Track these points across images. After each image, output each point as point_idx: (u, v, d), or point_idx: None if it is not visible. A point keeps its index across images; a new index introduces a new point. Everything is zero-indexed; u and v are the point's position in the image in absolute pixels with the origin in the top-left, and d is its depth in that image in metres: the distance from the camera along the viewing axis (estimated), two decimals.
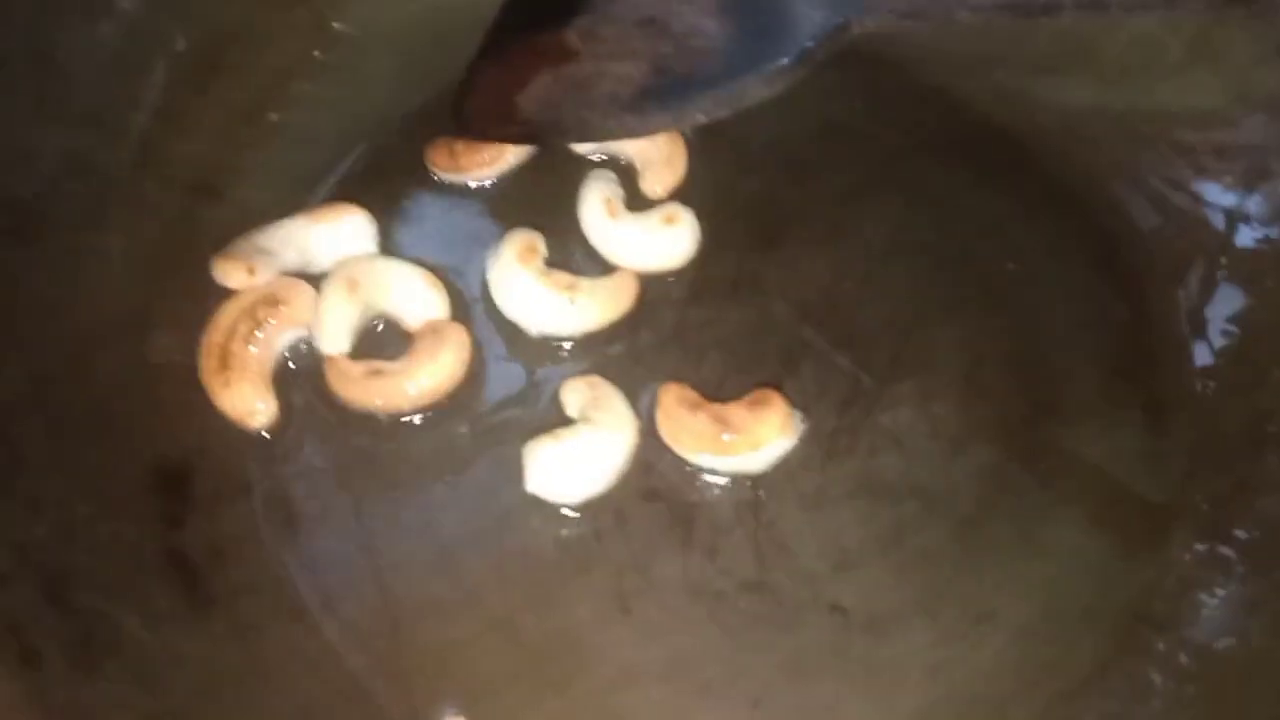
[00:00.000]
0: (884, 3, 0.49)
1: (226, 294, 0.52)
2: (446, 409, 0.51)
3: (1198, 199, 0.56)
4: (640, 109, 0.53)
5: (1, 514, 0.42)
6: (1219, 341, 0.53)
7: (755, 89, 0.51)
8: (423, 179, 0.57)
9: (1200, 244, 0.56)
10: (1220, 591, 0.46)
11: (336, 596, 0.46)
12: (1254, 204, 0.55)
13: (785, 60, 0.50)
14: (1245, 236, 0.56)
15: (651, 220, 0.55)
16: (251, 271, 0.51)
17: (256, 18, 0.56)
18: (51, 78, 0.49)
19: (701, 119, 0.53)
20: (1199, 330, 0.53)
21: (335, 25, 0.58)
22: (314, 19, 0.58)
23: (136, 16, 0.52)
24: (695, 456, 0.50)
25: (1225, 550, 0.47)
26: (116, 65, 0.51)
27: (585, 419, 0.50)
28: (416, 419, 0.51)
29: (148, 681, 0.41)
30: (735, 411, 0.49)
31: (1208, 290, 0.55)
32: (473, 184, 0.58)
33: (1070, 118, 0.60)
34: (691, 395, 0.50)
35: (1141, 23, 0.58)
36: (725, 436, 0.48)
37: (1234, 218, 0.56)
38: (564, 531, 0.48)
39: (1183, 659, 0.45)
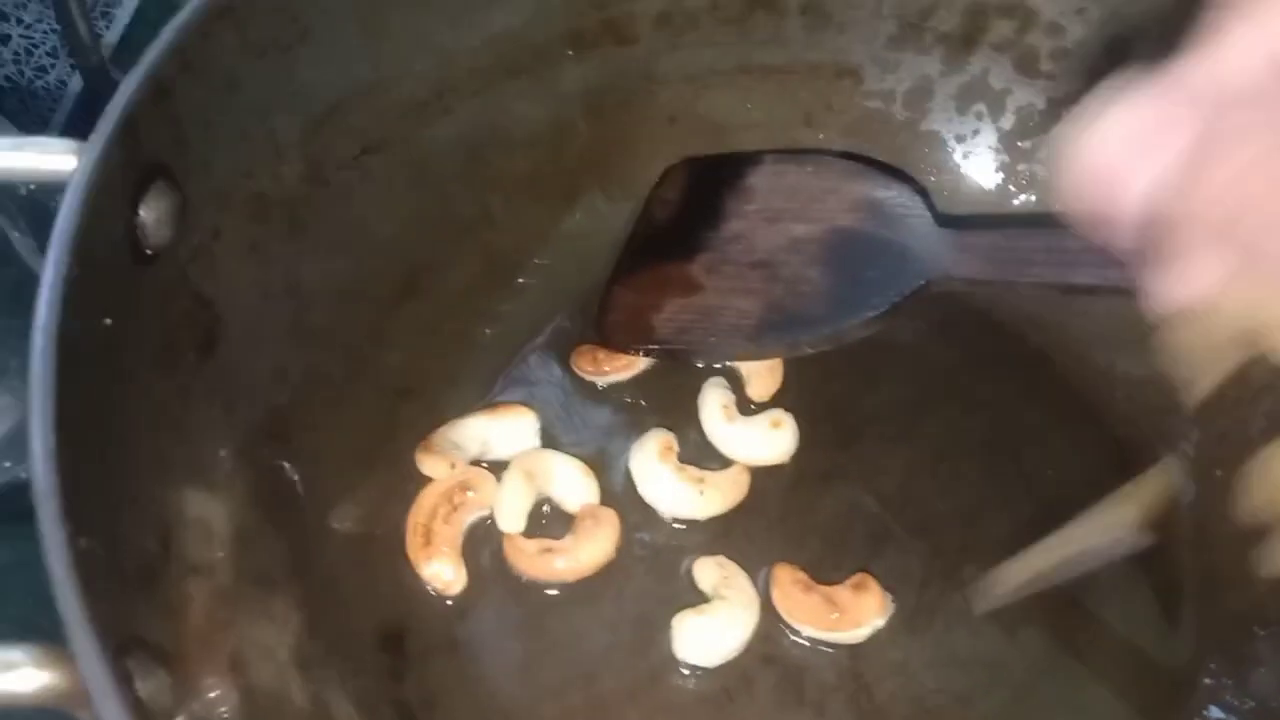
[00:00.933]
0: (960, 270, 0.63)
1: (420, 478, 0.64)
2: (596, 583, 0.63)
3: None
4: (758, 339, 0.66)
5: (281, 680, 0.53)
6: None
7: (853, 331, 0.64)
8: (570, 379, 0.70)
9: None
10: None
11: None
12: None
13: (878, 311, 0.64)
14: None
15: (761, 424, 0.67)
16: (453, 465, 0.63)
17: (447, 254, 0.68)
18: (298, 306, 0.61)
19: (808, 351, 0.66)
20: None
21: (511, 255, 0.71)
22: (489, 248, 0.70)
23: (363, 253, 0.64)
24: (803, 628, 0.61)
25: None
26: (343, 294, 0.63)
27: (718, 594, 0.62)
28: (579, 589, 0.62)
29: None
30: (841, 593, 0.61)
31: None
32: (608, 384, 0.70)
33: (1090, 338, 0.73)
34: (803, 577, 0.62)
35: None
36: (833, 615, 0.60)
37: None
38: (701, 689, 0.60)
39: None
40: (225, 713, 0.47)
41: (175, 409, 0.51)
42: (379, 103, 0.63)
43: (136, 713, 0.36)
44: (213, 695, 0.47)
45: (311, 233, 0.60)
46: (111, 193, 0.46)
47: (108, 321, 0.45)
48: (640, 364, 0.70)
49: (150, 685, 0.39)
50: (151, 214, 0.48)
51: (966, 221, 0.64)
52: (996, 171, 0.75)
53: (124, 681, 0.37)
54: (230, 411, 0.55)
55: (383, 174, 0.64)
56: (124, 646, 0.39)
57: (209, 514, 0.52)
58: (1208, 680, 0.60)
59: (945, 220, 0.65)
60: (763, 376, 0.70)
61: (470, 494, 0.63)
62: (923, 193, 0.67)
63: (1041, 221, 0.61)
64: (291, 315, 0.60)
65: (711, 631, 0.60)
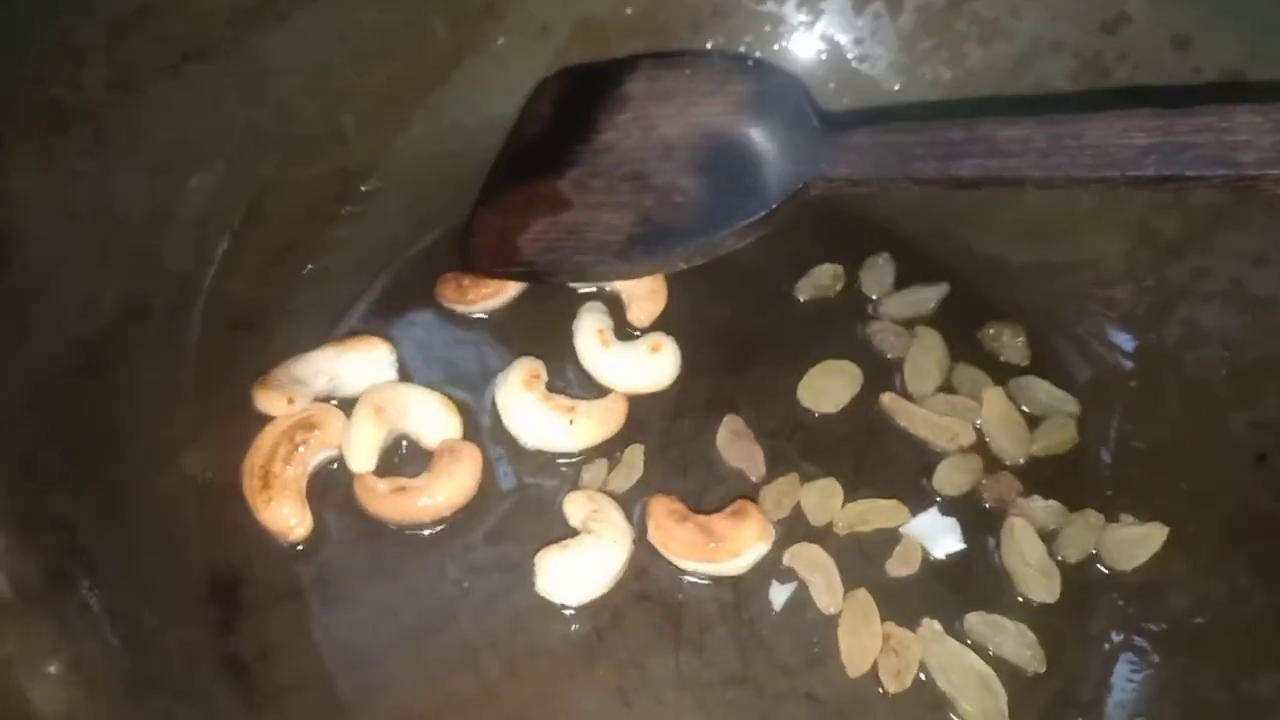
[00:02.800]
0: (840, 171, 0.57)
1: (262, 418, 0.58)
2: (461, 520, 0.58)
3: (1114, 348, 0.65)
4: (628, 255, 0.60)
5: (85, 626, 0.48)
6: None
7: (728, 241, 0.59)
8: (434, 309, 0.64)
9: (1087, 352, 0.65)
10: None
11: (372, 692, 0.52)
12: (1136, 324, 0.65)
13: (754, 218, 0.58)
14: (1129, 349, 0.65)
15: (639, 348, 0.63)
16: (291, 400, 0.57)
17: (291, 171, 0.63)
18: (112, 228, 0.55)
19: (682, 266, 0.60)
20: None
21: (359, 176, 0.65)
22: (340, 170, 0.65)
23: (188, 172, 0.58)
24: (682, 562, 0.57)
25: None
26: (166, 217, 0.58)
27: (587, 529, 0.57)
28: (437, 529, 0.58)
29: None
30: (717, 521, 0.57)
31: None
32: (478, 313, 0.65)
33: (996, 259, 0.68)
34: (679, 507, 0.57)
35: None
36: (710, 545, 0.56)
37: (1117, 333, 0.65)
38: (569, 630, 0.55)
39: None
40: None
41: None
42: (198, 6, 0.57)
43: None
44: None
45: (124, 147, 0.55)
46: None
47: None
48: (510, 291, 0.65)
49: None
50: None
51: (850, 120, 0.59)
52: (895, 73, 0.70)
53: None
54: (23, 343, 0.50)
55: (209, 85, 0.58)
56: None
57: None
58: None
59: (828, 120, 0.60)
60: (644, 301, 0.65)
61: (315, 432, 0.58)
62: (805, 93, 0.62)
63: (928, 117, 0.57)
64: (103, 239, 0.55)
65: (578, 567, 0.55)
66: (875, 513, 0.59)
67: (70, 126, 0.52)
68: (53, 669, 0.44)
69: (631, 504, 0.59)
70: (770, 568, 0.57)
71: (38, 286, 0.51)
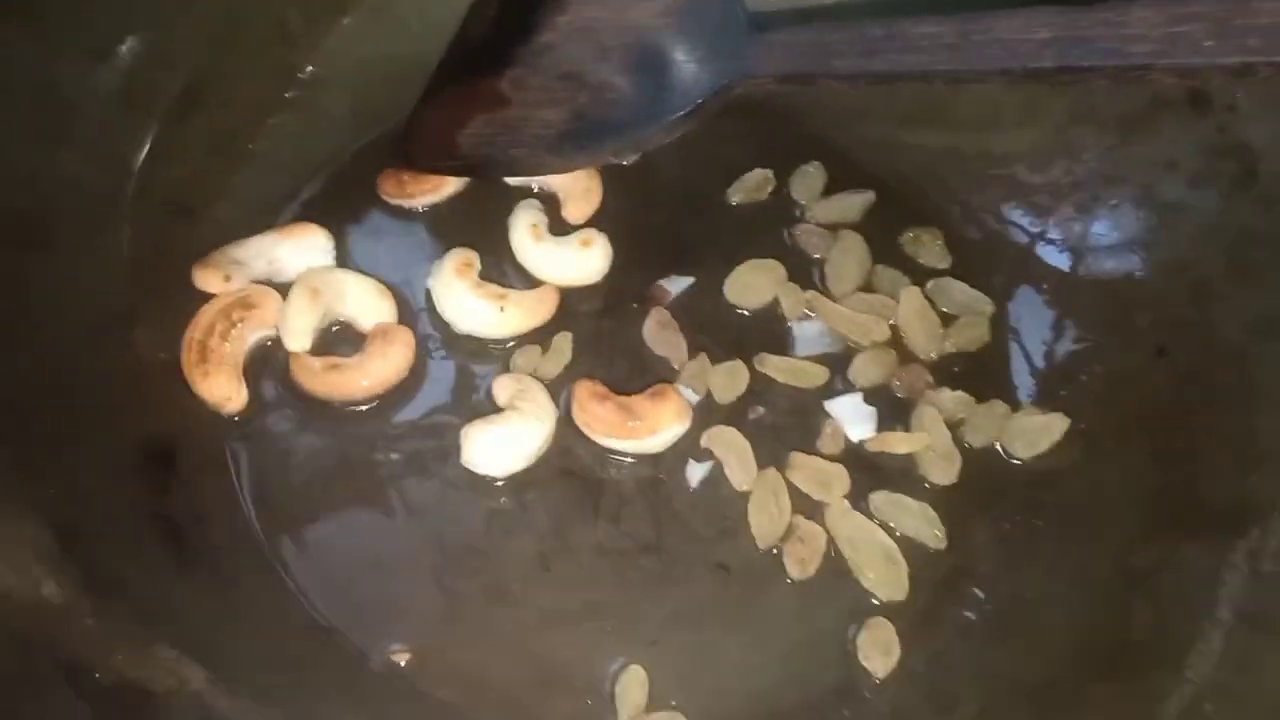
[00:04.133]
0: (764, 68, 0.59)
1: (204, 298, 0.60)
2: (394, 399, 0.60)
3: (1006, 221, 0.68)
4: (560, 150, 0.62)
5: (21, 477, 0.50)
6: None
7: (657, 135, 0.61)
8: (374, 203, 0.66)
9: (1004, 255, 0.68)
10: None
11: (301, 554, 0.55)
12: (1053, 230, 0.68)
13: (681, 113, 0.60)
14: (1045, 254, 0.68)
15: (571, 243, 0.65)
16: (228, 279, 0.59)
17: (233, 61, 0.64)
18: (52, 108, 0.57)
19: (613, 160, 0.63)
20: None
21: (302, 69, 0.67)
22: (284, 64, 0.66)
23: (131, 58, 0.60)
24: (604, 440, 0.59)
25: None
26: (110, 99, 0.59)
27: (513, 407, 0.59)
28: (369, 407, 0.60)
29: (145, 619, 0.49)
30: (638, 402, 0.59)
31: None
32: (417, 208, 0.67)
33: (925, 163, 0.71)
34: (601, 389, 0.60)
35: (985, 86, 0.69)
36: (630, 423, 0.58)
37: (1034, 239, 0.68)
38: (493, 502, 0.58)
39: None
40: None
41: None
42: None
43: None
44: None
45: (65, 31, 0.56)
46: None
47: None
48: (449, 187, 0.67)
49: None
50: None
51: (775, 20, 0.61)
52: None
53: None
54: None
55: None
56: None
57: None
58: None
59: (755, 20, 0.61)
60: (579, 199, 0.67)
61: (252, 310, 0.59)
62: None
63: (849, 15, 0.59)
64: (40, 117, 0.56)
65: (501, 440, 0.57)
66: (802, 371, 0.62)
67: (13, 9, 0.53)
68: None
69: (559, 389, 0.61)
70: (688, 448, 0.60)
71: None
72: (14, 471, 0.50)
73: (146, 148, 0.61)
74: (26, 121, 0.56)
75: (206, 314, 0.59)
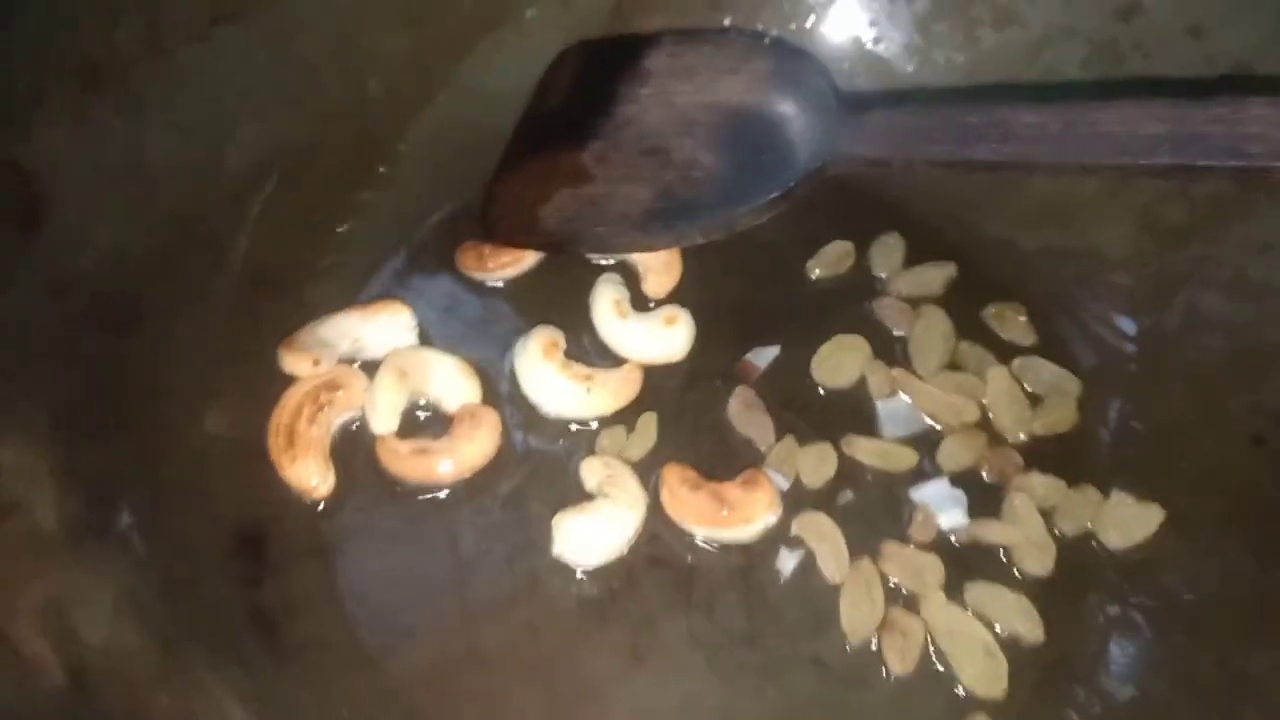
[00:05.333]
0: (855, 151, 0.58)
1: (286, 378, 0.60)
2: (481, 482, 0.59)
3: (1116, 330, 0.66)
4: (647, 228, 0.62)
5: (121, 574, 0.49)
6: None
7: (746, 218, 0.60)
8: (454, 277, 0.66)
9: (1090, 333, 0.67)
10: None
11: (394, 646, 0.54)
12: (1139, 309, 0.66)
13: (772, 195, 0.60)
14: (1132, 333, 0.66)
15: (655, 320, 0.64)
16: (316, 362, 0.59)
17: (318, 138, 0.63)
18: (144, 189, 0.56)
19: (700, 240, 0.61)
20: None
21: (385, 144, 0.66)
22: (367, 139, 0.66)
23: (219, 134, 0.59)
24: (694, 529, 0.58)
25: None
26: (197, 177, 0.59)
27: (603, 494, 0.58)
28: (456, 490, 0.59)
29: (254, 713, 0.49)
30: (730, 490, 0.58)
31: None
32: (497, 282, 0.66)
33: (1003, 242, 0.70)
34: (692, 475, 0.59)
35: None
36: (722, 512, 0.57)
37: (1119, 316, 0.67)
38: (583, 591, 0.57)
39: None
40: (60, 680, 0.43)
41: None
42: None
43: None
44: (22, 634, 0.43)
45: (155, 107, 0.56)
46: None
47: None
48: (528, 260, 0.66)
49: None
50: None
51: (867, 101, 0.60)
52: (910, 56, 0.72)
53: None
54: (57, 296, 0.51)
55: (237, 47, 0.59)
56: None
57: (31, 403, 0.48)
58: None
59: (846, 101, 0.61)
60: (659, 273, 0.67)
61: (339, 393, 0.59)
62: (824, 73, 0.63)
63: (945, 100, 0.58)
64: (133, 197, 0.55)
65: (591, 530, 0.57)
66: (891, 454, 0.61)
67: (103, 85, 0.53)
68: (100, 608, 0.46)
69: (645, 470, 0.60)
70: (778, 534, 0.59)
71: (71, 242, 0.52)
72: (122, 563, 0.49)
73: (233, 226, 0.60)
74: (117, 201, 0.55)
75: (293, 397, 0.58)
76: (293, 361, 0.59)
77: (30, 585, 0.45)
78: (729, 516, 0.57)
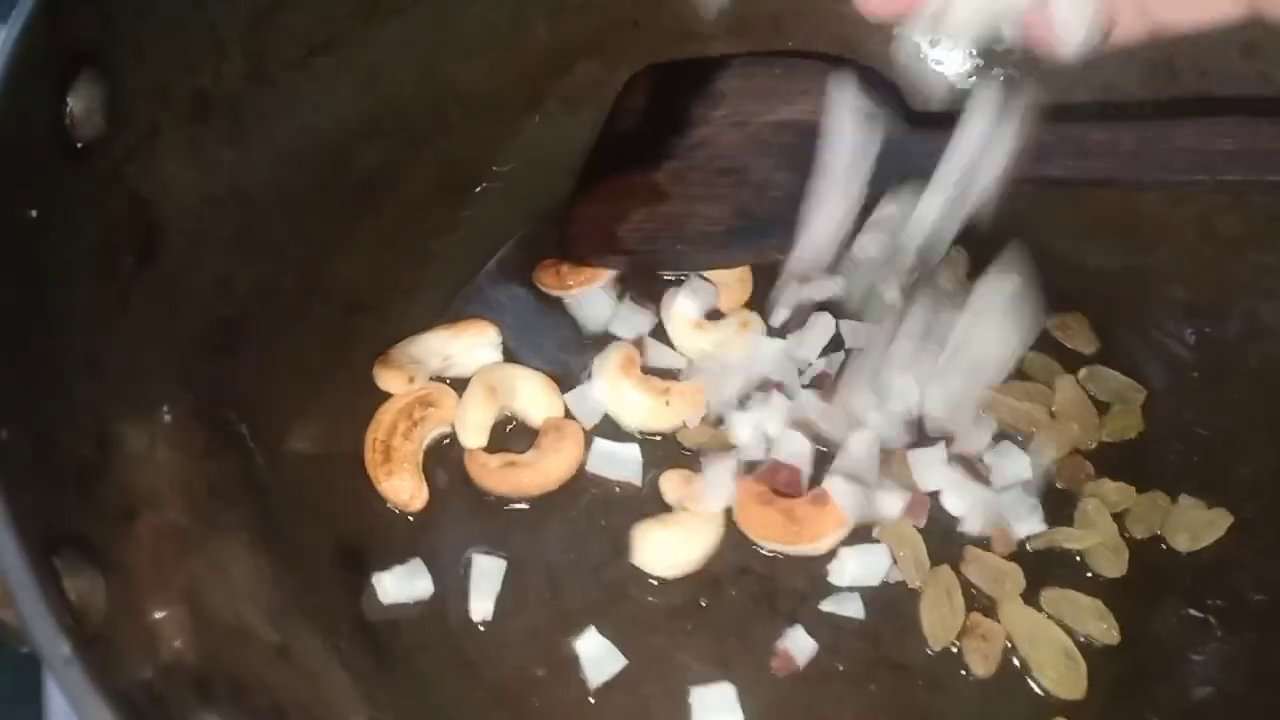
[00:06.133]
0: (927, 168, 0.61)
1: (374, 395, 0.62)
2: (564, 494, 0.61)
3: (1177, 339, 0.68)
4: (727, 245, 0.64)
5: (240, 591, 0.51)
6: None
7: None
8: (533, 294, 0.68)
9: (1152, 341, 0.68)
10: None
11: (492, 652, 0.56)
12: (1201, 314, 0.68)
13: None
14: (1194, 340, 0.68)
15: (729, 326, 0.65)
16: (411, 379, 0.61)
17: (403, 165, 0.66)
18: (247, 216, 0.58)
19: (778, 257, 0.63)
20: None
21: (467, 162, 0.68)
22: (449, 166, 0.68)
23: (314, 161, 0.62)
24: (765, 544, 0.60)
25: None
26: (295, 204, 0.61)
27: (683, 507, 0.60)
28: (542, 503, 0.61)
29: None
30: (801, 506, 0.60)
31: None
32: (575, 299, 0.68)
33: (1062, 254, 0.71)
34: (764, 491, 0.60)
35: None
36: (793, 529, 0.59)
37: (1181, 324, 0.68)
38: (669, 601, 0.58)
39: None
40: (179, 645, 0.45)
41: (113, 313, 0.49)
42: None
43: (60, 609, 0.34)
44: (159, 616, 0.45)
45: (256, 136, 0.58)
46: (35, 76, 0.43)
47: (33, 214, 0.43)
48: (604, 277, 0.68)
49: (81, 584, 0.37)
50: (81, 103, 0.46)
51: (937, 120, 0.62)
52: (970, 74, 0.73)
53: (48, 577, 0.35)
54: (172, 320, 0.53)
55: (330, 77, 0.61)
56: (51, 543, 0.37)
57: (150, 422, 0.50)
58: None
59: (916, 119, 0.63)
60: (732, 288, 0.68)
61: (431, 409, 0.61)
62: (894, 91, 0.65)
63: None
64: (238, 223, 0.58)
65: (671, 543, 0.59)
66: None
67: (212, 116, 0.55)
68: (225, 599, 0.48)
69: None
70: (861, 537, 0.60)
71: (183, 269, 0.54)
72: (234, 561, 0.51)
73: (327, 250, 0.63)
74: (224, 229, 0.57)
75: (389, 413, 0.60)
76: (388, 379, 0.61)
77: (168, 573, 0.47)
78: (799, 533, 0.59)
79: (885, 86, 0.66)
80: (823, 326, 0.65)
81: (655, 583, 0.59)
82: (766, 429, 0.62)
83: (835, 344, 0.66)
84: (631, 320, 0.66)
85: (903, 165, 0.61)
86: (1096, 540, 0.60)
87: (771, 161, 0.64)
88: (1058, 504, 0.62)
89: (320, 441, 0.60)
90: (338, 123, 0.62)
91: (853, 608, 0.58)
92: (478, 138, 0.69)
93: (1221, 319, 0.67)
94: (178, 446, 0.52)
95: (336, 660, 0.52)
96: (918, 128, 0.62)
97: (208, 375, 0.55)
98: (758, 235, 0.63)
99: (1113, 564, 0.60)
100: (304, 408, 0.60)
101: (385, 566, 0.57)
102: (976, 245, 0.71)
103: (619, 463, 0.61)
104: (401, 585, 0.57)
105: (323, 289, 0.62)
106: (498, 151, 0.70)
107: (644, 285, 0.68)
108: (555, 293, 0.68)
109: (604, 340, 0.66)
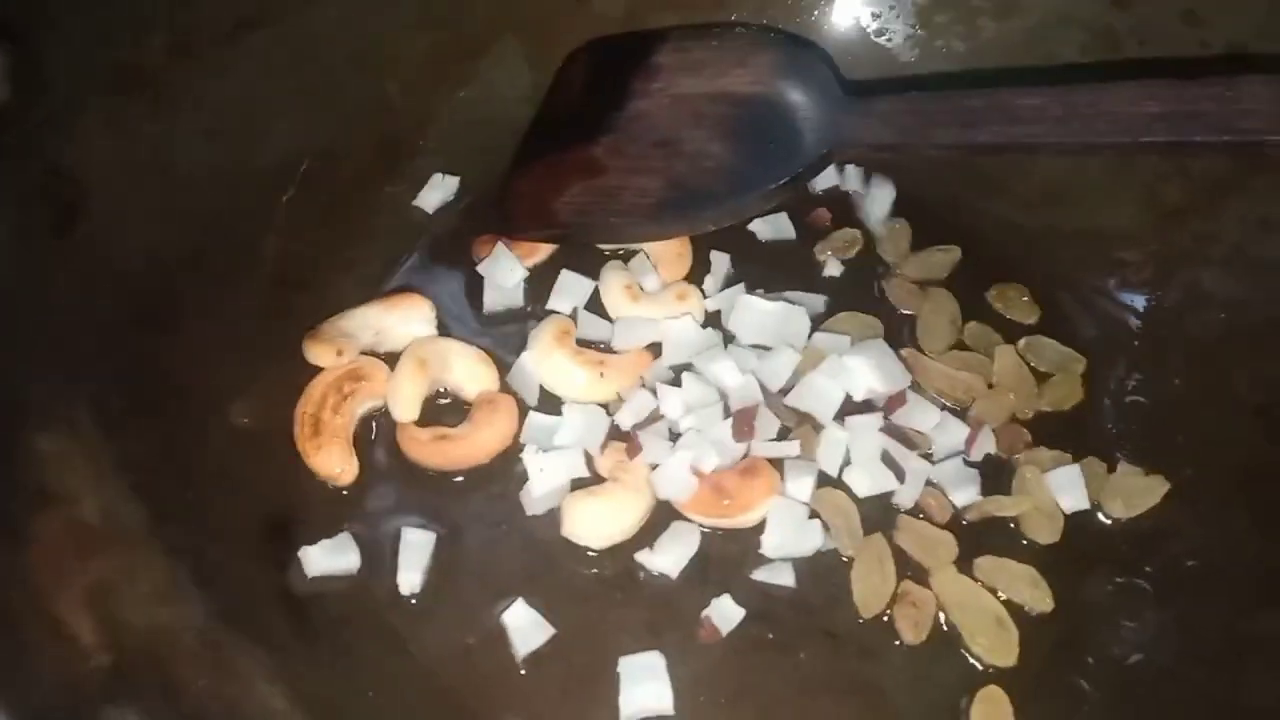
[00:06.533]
0: (862, 137, 0.60)
1: (307, 369, 0.61)
2: (498, 466, 0.61)
3: (1119, 307, 0.68)
4: (659, 217, 0.63)
5: (155, 559, 0.51)
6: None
7: (755, 204, 0.62)
8: (469, 269, 0.67)
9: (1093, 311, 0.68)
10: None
11: (419, 624, 0.56)
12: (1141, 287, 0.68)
13: (779, 182, 0.61)
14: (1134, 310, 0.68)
15: (665, 298, 0.65)
16: (340, 353, 0.61)
17: (340, 135, 0.66)
18: (175, 189, 0.58)
19: (710, 228, 0.63)
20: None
21: (403, 139, 0.68)
22: (386, 135, 0.68)
23: (246, 136, 0.61)
24: (697, 518, 0.59)
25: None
26: (226, 177, 0.61)
27: (614, 479, 0.60)
28: (475, 476, 0.61)
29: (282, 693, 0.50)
30: (729, 478, 0.59)
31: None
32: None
33: (1007, 224, 0.71)
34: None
35: None
36: (723, 502, 0.59)
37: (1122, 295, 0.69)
38: (598, 571, 0.58)
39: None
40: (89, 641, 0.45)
41: (30, 283, 0.49)
42: None
43: None
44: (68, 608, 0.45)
45: (182, 110, 0.58)
46: None
47: None
48: (542, 252, 0.68)
49: None
50: None
51: (871, 89, 0.62)
52: (912, 46, 0.73)
53: None
54: (95, 291, 0.53)
55: (262, 52, 0.61)
56: None
57: (70, 397, 0.50)
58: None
59: (850, 89, 0.62)
60: (670, 262, 0.68)
61: (362, 383, 0.61)
62: (829, 62, 0.65)
63: (947, 86, 0.59)
64: (164, 196, 0.57)
65: (602, 514, 0.58)
66: None
67: (134, 89, 0.55)
68: (139, 592, 0.48)
69: None
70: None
71: (105, 239, 0.54)
72: (155, 551, 0.51)
73: (260, 224, 0.62)
74: (149, 202, 0.57)
75: (318, 387, 0.60)
76: (317, 353, 0.61)
77: (76, 571, 0.47)
78: (729, 506, 0.59)
79: (822, 56, 0.66)
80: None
81: (589, 554, 0.59)
82: (723, 380, 0.62)
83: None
84: (568, 293, 0.66)
85: (832, 135, 0.61)
86: (1030, 505, 0.60)
87: (705, 133, 0.64)
88: (996, 474, 0.62)
89: (252, 417, 0.59)
90: (268, 97, 0.62)
91: (784, 577, 0.58)
92: (415, 113, 0.69)
93: (1163, 287, 0.67)
94: (98, 422, 0.51)
95: (255, 633, 0.52)
96: (851, 96, 0.62)
97: (134, 348, 0.55)
98: (690, 206, 0.63)
99: (1047, 530, 0.60)
100: (235, 383, 0.59)
101: (313, 541, 0.57)
102: (917, 215, 0.71)
103: (551, 435, 0.61)
104: (328, 558, 0.56)
105: (255, 263, 0.62)
106: (435, 127, 0.70)
107: (582, 258, 0.68)
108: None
109: (526, 315, 0.66)
